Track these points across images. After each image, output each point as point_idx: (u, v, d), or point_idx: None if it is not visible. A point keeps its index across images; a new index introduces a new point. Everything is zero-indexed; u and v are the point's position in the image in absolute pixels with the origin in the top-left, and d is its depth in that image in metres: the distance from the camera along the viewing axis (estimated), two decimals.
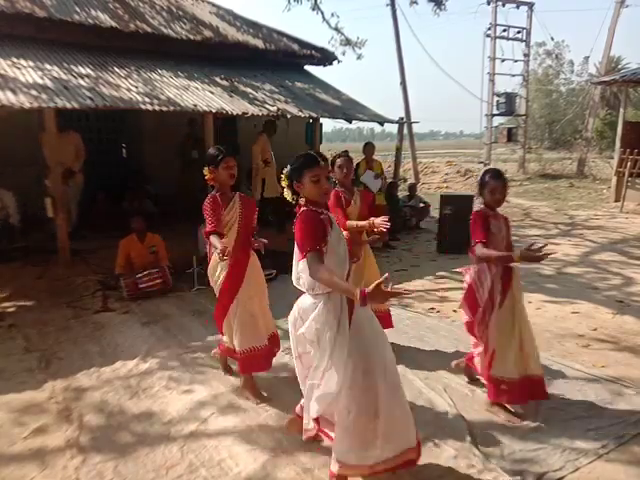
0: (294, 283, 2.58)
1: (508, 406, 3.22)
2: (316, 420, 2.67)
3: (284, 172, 2.57)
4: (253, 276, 3.46)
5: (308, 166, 2.49)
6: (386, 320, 4.06)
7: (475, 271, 3.27)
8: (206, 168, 3.43)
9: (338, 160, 3.93)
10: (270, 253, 3.50)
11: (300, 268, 2.49)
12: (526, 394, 3.16)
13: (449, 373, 3.73)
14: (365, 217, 3.77)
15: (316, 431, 2.71)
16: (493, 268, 3.19)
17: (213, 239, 3.20)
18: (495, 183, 3.19)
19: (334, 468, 2.45)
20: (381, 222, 3.45)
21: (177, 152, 8.65)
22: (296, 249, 2.51)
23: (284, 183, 2.57)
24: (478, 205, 3.36)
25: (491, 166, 19.32)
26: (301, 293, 2.59)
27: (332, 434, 2.56)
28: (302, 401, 2.76)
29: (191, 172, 7.90)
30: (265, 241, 3.47)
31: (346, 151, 4.11)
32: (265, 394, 3.44)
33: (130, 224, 5.97)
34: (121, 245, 5.84)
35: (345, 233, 3.19)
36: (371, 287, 2.17)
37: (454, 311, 4.97)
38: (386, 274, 2.24)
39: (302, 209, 2.51)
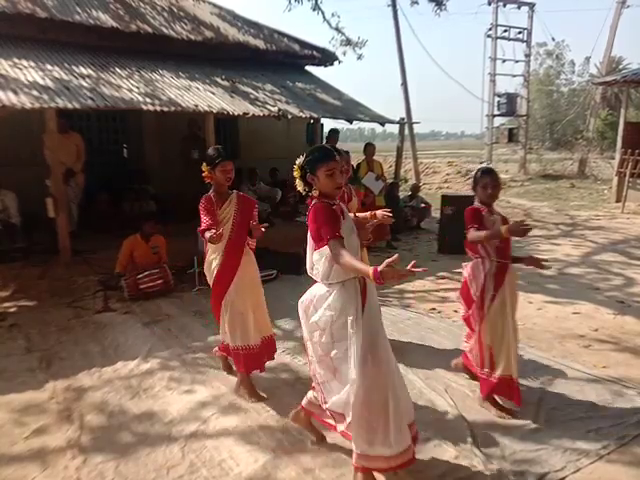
0: (308, 272, 2.61)
1: (499, 401, 3.23)
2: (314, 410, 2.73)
3: (297, 163, 2.55)
4: (246, 275, 3.49)
5: (324, 159, 2.47)
6: None
7: (470, 266, 3.31)
8: (205, 166, 3.48)
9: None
10: (272, 253, 3.52)
11: (315, 258, 2.51)
12: (509, 393, 3.19)
13: (450, 373, 3.73)
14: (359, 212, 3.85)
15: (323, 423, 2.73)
16: (487, 264, 3.20)
17: (207, 233, 3.25)
18: (486, 178, 3.23)
19: (356, 461, 2.46)
20: (383, 213, 3.45)
21: (178, 152, 8.66)
22: (310, 240, 2.53)
23: (296, 174, 2.56)
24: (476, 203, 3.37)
25: (489, 165, 19.29)
26: (312, 283, 2.62)
27: (339, 426, 2.57)
28: (309, 393, 2.78)
29: (192, 172, 7.92)
30: (262, 228, 3.42)
31: (346, 151, 4.15)
32: (263, 394, 3.44)
33: (132, 225, 5.98)
34: (125, 244, 5.84)
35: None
36: (383, 265, 2.16)
37: (455, 311, 4.97)
38: (396, 255, 2.22)
39: (314, 202, 2.51)
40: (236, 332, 3.44)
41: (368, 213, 3.59)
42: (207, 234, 3.25)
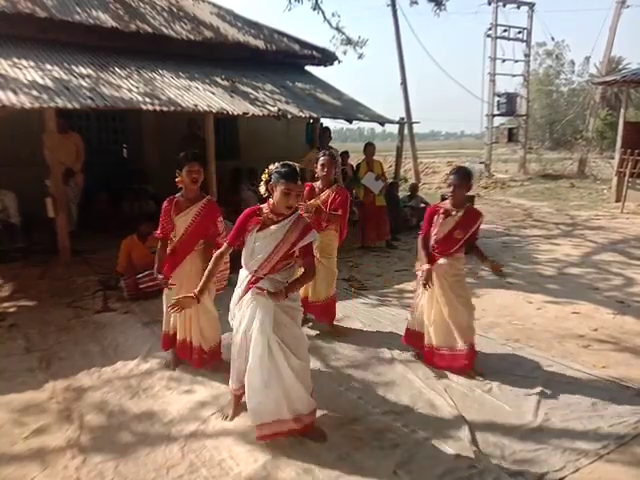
0: None
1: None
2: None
3: (269, 167, 2.81)
4: (187, 281, 3.58)
5: (286, 178, 2.73)
6: (323, 310, 4.51)
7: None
8: (177, 171, 3.59)
9: (321, 159, 4.39)
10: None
11: None
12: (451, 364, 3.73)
13: (450, 373, 3.73)
14: (336, 209, 4.36)
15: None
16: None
17: (159, 253, 3.69)
18: (450, 177, 3.69)
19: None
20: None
21: (177, 152, 8.64)
22: None
23: (264, 177, 2.82)
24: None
25: (480, 165, 19.39)
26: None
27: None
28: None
29: None
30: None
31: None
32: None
33: (132, 225, 5.97)
34: (123, 245, 5.84)
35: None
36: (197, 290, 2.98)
37: None
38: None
39: (253, 207, 2.89)
40: (165, 319, 3.86)
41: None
42: (159, 251, 3.69)
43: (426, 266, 3.68)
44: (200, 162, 3.59)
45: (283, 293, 2.73)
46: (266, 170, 2.82)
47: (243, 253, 2.87)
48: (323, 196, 4.41)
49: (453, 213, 3.68)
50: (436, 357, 3.79)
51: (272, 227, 2.80)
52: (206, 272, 2.99)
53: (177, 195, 3.65)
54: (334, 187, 4.45)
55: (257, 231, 2.81)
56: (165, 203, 3.65)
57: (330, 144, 8.64)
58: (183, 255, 3.64)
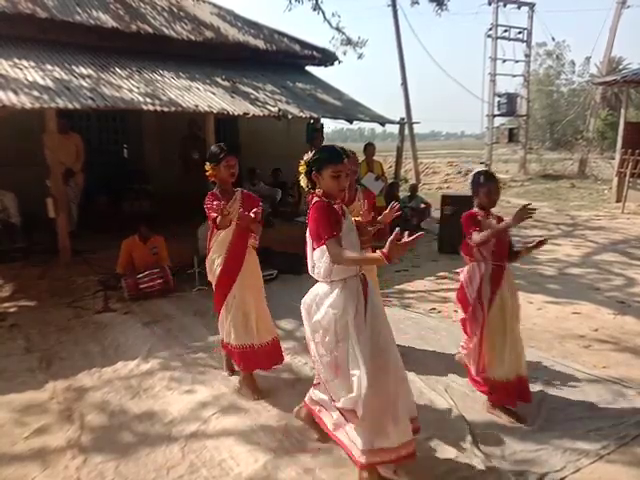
0: (310, 272, 2.62)
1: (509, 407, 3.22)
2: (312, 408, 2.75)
3: (304, 159, 2.57)
4: (249, 274, 3.48)
5: (332, 160, 2.49)
6: None
7: (467, 270, 3.30)
8: (208, 164, 3.44)
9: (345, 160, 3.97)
10: (272, 253, 3.52)
11: (316, 256, 2.53)
12: (516, 395, 3.17)
13: (450, 373, 3.73)
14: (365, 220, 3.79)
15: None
16: (483, 267, 3.20)
17: (218, 219, 3.21)
18: (489, 184, 3.22)
19: (362, 459, 2.41)
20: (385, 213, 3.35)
21: (178, 153, 8.65)
22: (309, 239, 2.56)
23: (302, 169, 2.58)
24: (474, 206, 3.34)
25: (483, 168, 19.37)
26: (313, 282, 2.64)
27: (334, 430, 2.60)
28: (311, 390, 2.79)
29: (191, 173, 7.91)
30: (251, 215, 3.31)
31: (353, 152, 4.11)
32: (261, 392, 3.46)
33: (132, 225, 5.98)
34: (123, 245, 5.84)
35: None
36: (387, 246, 2.21)
37: (455, 311, 4.96)
38: (397, 229, 2.24)
39: (314, 200, 2.52)
40: (238, 331, 3.44)
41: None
42: (218, 219, 3.21)
43: (510, 221, 2.99)
44: (236, 155, 3.45)
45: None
46: (301, 162, 2.58)
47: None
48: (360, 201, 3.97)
49: (491, 219, 3.25)
50: (506, 392, 3.16)
51: (347, 213, 2.59)
52: (364, 257, 2.51)
53: (214, 190, 3.48)
54: (359, 189, 4.06)
55: (344, 218, 2.54)
56: (212, 197, 3.39)
57: (330, 144, 8.63)
58: (242, 248, 3.44)
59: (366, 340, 2.43)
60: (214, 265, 3.48)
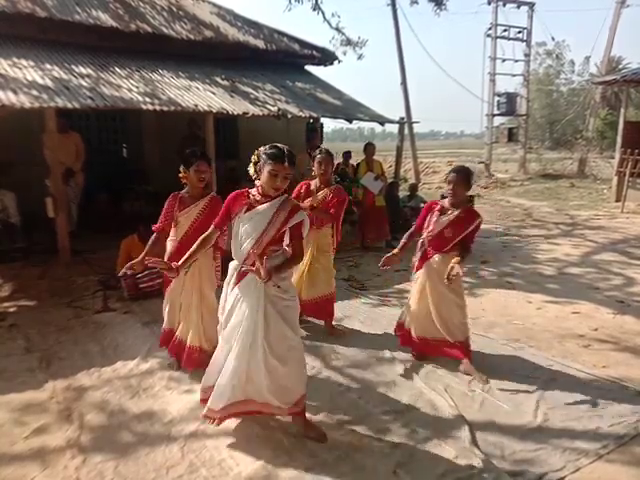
0: None
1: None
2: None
3: (259, 149, 2.78)
4: (191, 278, 3.60)
5: (273, 159, 2.69)
6: (319, 308, 4.48)
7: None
8: (181, 167, 3.55)
9: (318, 157, 4.31)
10: None
11: None
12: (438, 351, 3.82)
13: (450, 373, 3.73)
14: (329, 209, 4.30)
15: None
16: (419, 246, 3.93)
17: (150, 241, 3.65)
18: (450, 174, 3.70)
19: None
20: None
21: (177, 153, 8.65)
22: None
23: (253, 158, 2.79)
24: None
25: (479, 165, 19.37)
26: None
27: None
28: None
29: None
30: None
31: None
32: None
33: (132, 225, 5.97)
34: (123, 245, 5.84)
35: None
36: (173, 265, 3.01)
37: None
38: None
39: (240, 190, 2.88)
40: (168, 316, 3.83)
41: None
42: (150, 240, 3.65)
43: (389, 254, 3.78)
44: (208, 161, 3.57)
45: (272, 271, 2.64)
46: (255, 152, 2.80)
47: (232, 242, 2.84)
48: (321, 195, 4.34)
49: (449, 212, 3.66)
50: (429, 347, 3.88)
51: (259, 207, 2.78)
52: (190, 250, 2.99)
53: (182, 192, 3.63)
54: (332, 187, 4.39)
55: (244, 212, 2.79)
56: (170, 198, 3.63)
57: (330, 143, 8.62)
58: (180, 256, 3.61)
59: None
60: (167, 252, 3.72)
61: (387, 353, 4.09)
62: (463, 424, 3.07)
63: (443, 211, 3.70)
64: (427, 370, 3.81)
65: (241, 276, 2.81)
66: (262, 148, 2.77)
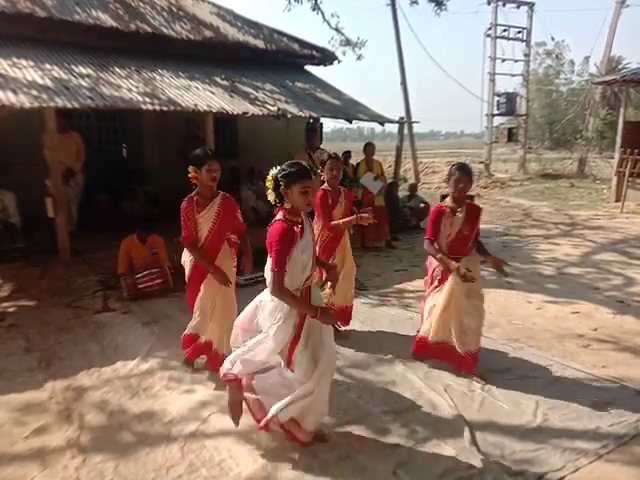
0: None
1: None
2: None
3: (271, 174, 2.66)
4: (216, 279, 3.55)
5: (300, 177, 2.60)
6: (345, 315, 4.46)
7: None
8: (191, 167, 3.51)
9: (328, 162, 4.22)
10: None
11: (267, 265, 2.67)
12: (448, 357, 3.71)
13: (450, 373, 3.73)
14: (347, 215, 4.18)
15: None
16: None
17: (195, 254, 3.53)
18: (460, 174, 3.53)
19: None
20: (367, 217, 3.86)
21: (177, 153, 8.64)
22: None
23: (269, 184, 2.67)
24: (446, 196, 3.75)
25: (479, 165, 19.38)
26: None
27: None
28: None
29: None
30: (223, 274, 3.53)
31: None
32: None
33: (132, 225, 5.97)
34: (123, 245, 5.84)
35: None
36: (320, 310, 2.61)
37: None
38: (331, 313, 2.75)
39: (277, 218, 2.67)
40: (196, 320, 3.68)
41: (353, 217, 4.00)
42: (193, 253, 3.53)
43: (454, 263, 3.46)
44: (219, 160, 3.52)
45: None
46: (269, 177, 2.66)
47: (291, 273, 2.64)
48: (343, 201, 4.25)
49: (458, 210, 3.58)
50: (442, 351, 3.72)
51: (306, 230, 2.72)
52: (296, 305, 2.68)
53: (193, 194, 3.56)
54: (343, 190, 4.33)
55: (300, 240, 2.66)
56: (185, 204, 3.50)
57: (330, 143, 8.63)
58: (213, 254, 3.55)
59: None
60: (187, 265, 3.65)
61: (387, 353, 4.09)
62: (463, 424, 3.07)
63: (454, 211, 3.59)
64: (427, 370, 3.81)
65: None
66: (274, 172, 2.64)
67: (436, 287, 3.71)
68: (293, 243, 2.62)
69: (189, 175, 3.52)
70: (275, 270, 2.57)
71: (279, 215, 2.68)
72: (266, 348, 2.76)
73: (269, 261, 2.64)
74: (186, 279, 3.74)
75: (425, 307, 3.84)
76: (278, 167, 2.68)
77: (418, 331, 3.93)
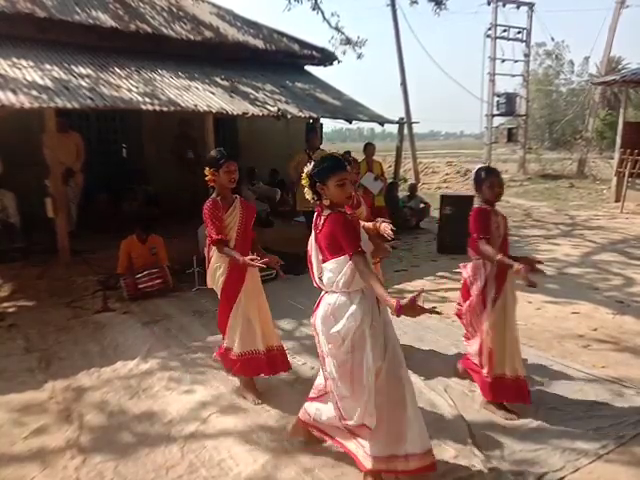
0: (316, 283, 2.61)
1: (506, 403, 3.22)
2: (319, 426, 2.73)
3: (305, 171, 2.56)
4: (253, 281, 3.44)
5: (334, 170, 2.47)
6: None
7: (471, 267, 3.32)
8: (207, 169, 3.40)
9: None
10: (271, 253, 3.47)
11: (330, 267, 2.50)
12: (513, 393, 3.19)
13: (450, 373, 3.73)
14: (367, 220, 3.81)
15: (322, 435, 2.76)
16: (488, 266, 3.21)
17: (227, 250, 3.25)
18: (492, 178, 3.24)
19: (368, 464, 2.45)
20: (386, 226, 3.32)
21: (170, 152, 8.64)
22: (316, 248, 2.57)
23: (304, 182, 2.57)
24: (479, 202, 3.35)
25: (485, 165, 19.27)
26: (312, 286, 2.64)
27: (340, 439, 2.63)
28: (307, 405, 2.78)
29: (188, 172, 7.90)
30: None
31: (348, 151, 4.11)
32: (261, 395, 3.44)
33: (132, 225, 5.97)
34: (122, 245, 5.84)
35: None
36: (406, 300, 2.21)
37: (459, 304, 4.96)
38: (420, 288, 2.30)
39: (329, 212, 2.51)
40: (244, 338, 3.38)
41: (372, 224, 3.57)
42: (227, 251, 3.23)
43: (517, 264, 2.98)
44: (236, 160, 3.43)
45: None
46: (303, 176, 2.55)
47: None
48: (363, 208, 4.02)
49: (497, 212, 3.31)
50: (504, 387, 3.19)
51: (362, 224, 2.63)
52: (380, 291, 2.32)
53: (214, 196, 3.43)
54: (358, 194, 4.09)
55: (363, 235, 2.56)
56: (210, 205, 3.32)
57: (330, 144, 8.64)
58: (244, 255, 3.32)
59: (379, 352, 2.49)
60: (217, 274, 3.42)
61: None
62: (462, 424, 3.07)
63: (497, 214, 3.29)
64: (427, 370, 3.80)
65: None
66: (307, 169, 2.54)
67: (491, 307, 3.20)
68: (358, 230, 2.52)
69: (206, 178, 3.40)
70: (352, 252, 2.36)
71: (326, 210, 2.53)
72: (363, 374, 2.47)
73: (319, 251, 2.54)
74: (218, 294, 3.46)
75: (486, 336, 3.22)
76: (311, 164, 2.55)
77: (477, 371, 3.35)
